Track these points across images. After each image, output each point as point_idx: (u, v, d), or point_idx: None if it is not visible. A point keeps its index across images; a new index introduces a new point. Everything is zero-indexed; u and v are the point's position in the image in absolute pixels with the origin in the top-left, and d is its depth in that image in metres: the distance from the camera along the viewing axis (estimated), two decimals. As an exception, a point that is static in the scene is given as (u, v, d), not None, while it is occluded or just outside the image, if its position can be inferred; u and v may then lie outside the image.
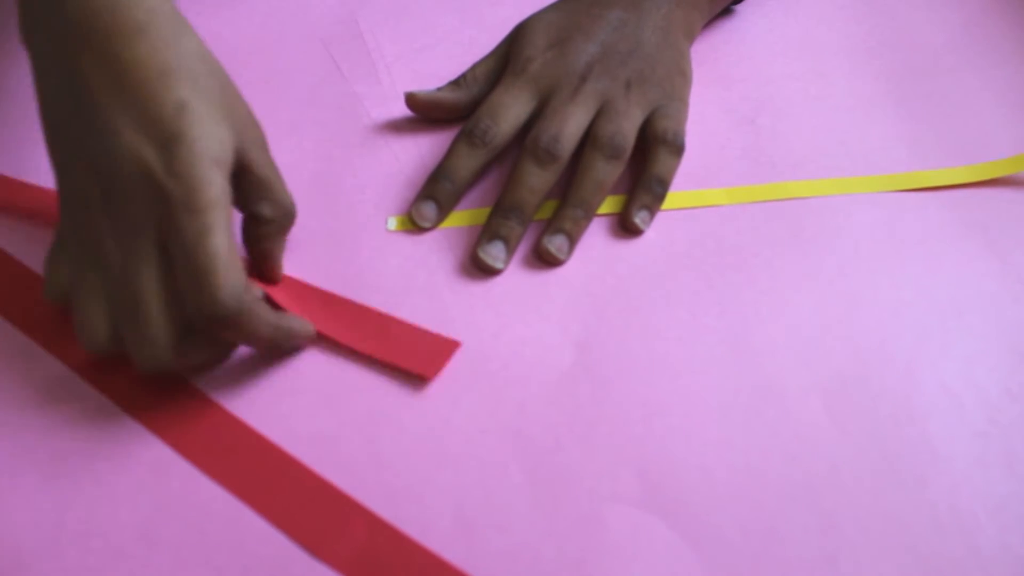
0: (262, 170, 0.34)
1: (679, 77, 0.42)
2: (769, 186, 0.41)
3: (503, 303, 0.37)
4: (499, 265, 0.38)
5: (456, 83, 0.42)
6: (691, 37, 0.44)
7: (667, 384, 0.35)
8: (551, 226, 0.39)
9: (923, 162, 0.42)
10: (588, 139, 0.39)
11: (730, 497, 0.33)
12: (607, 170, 0.39)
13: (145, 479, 0.33)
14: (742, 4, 0.49)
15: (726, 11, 0.48)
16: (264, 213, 0.35)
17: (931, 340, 0.37)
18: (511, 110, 0.40)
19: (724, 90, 0.45)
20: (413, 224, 0.39)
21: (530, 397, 0.35)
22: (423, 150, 0.42)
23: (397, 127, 0.43)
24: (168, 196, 0.30)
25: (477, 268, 0.38)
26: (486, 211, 0.40)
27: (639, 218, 0.39)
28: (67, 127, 0.32)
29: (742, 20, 0.48)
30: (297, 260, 0.38)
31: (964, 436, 0.34)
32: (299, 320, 0.35)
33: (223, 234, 0.30)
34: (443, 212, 0.39)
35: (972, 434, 0.35)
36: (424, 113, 0.42)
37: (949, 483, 0.33)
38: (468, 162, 0.39)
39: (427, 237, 0.39)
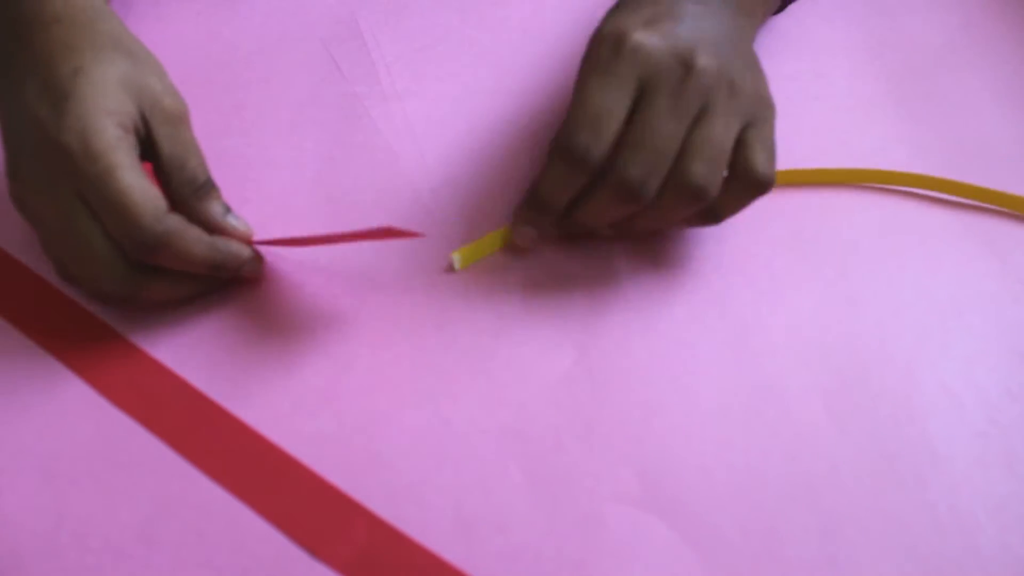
0: (169, 147, 0.34)
1: (763, 78, 0.37)
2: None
3: (503, 303, 0.37)
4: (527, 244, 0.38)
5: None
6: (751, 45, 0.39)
7: (667, 384, 0.35)
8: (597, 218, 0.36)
9: (923, 162, 0.42)
10: (675, 173, 0.34)
11: (730, 497, 0.33)
12: (682, 212, 0.35)
13: (145, 479, 0.33)
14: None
15: None
16: (177, 190, 0.34)
17: (931, 340, 0.37)
18: (613, 116, 0.34)
19: (724, 90, 0.45)
20: (502, 246, 0.39)
21: (530, 397, 0.35)
22: (423, 149, 0.42)
23: (397, 127, 0.43)
24: (65, 149, 0.31)
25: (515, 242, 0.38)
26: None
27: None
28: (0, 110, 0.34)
29: (742, 20, 0.48)
30: (299, 259, 0.38)
31: (964, 436, 0.34)
32: (237, 243, 0.35)
33: (128, 171, 0.32)
34: (542, 237, 0.38)
35: (972, 434, 0.35)
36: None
37: (949, 483, 0.33)
38: (566, 187, 0.35)
39: (426, 240, 0.39)
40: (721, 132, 0.34)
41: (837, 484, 0.33)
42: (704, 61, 0.34)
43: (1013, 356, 0.37)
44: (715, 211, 0.36)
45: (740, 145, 0.35)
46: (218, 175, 0.39)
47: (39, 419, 0.34)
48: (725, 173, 0.35)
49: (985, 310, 0.38)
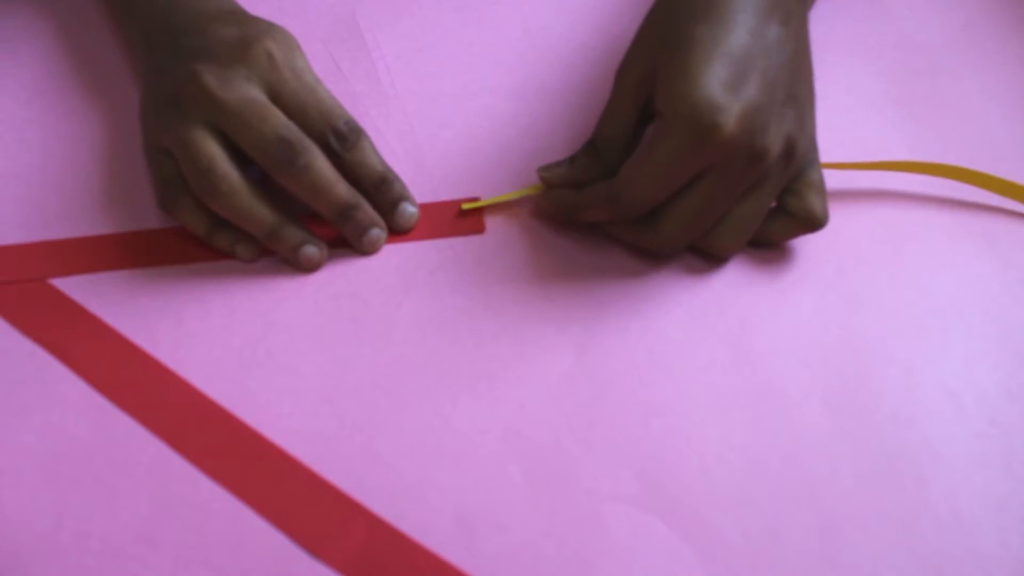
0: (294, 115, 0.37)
1: (812, 109, 0.36)
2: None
3: (503, 303, 0.37)
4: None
5: (588, 152, 0.38)
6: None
7: (667, 384, 0.35)
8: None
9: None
10: (705, 234, 0.36)
11: (730, 497, 0.33)
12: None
13: (145, 479, 0.33)
14: None
15: None
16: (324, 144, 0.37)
17: (931, 340, 0.37)
18: (673, 186, 0.34)
19: (724, 90, 0.45)
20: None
21: (530, 397, 0.35)
22: (423, 149, 0.42)
23: (397, 127, 0.43)
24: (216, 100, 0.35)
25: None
26: (528, 190, 0.39)
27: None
28: (160, 69, 0.38)
29: (742, 20, 0.48)
30: (297, 260, 0.38)
31: (964, 436, 0.34)
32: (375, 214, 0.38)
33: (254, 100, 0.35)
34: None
35: (972, 435, 0.35)
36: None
37: (949, 483, 0.33)
38: (599, 216, 0.37)
39: (427, 241, 0.39)
40: (764, 204, 0.36)
41: (837, 484, 0.33)
42: (775, 146, 0.34)
43: (1013, 356, 0.37)
44: (762, 241, 0.38)
45: (794, 193, 0.36)
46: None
47: (39, 419, 0.34)
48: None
49: (985, 310, 0.38)
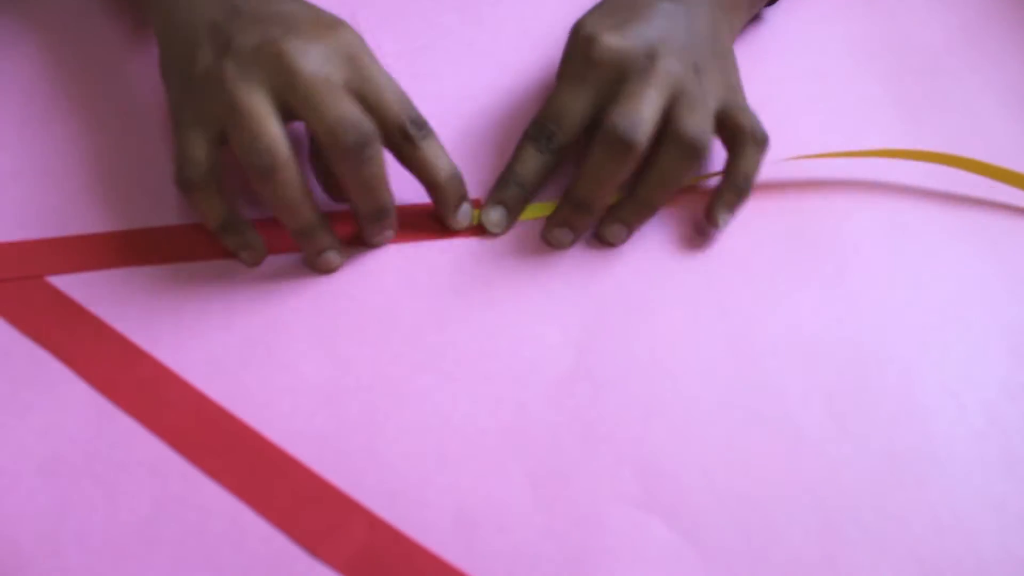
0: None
1: (734, 69, 0.40)
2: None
3: (503, 303, 0.37)
4: (566, 245, 0.39)
5: (529, 141, 0.39)
6: (732, 38, 0.42)
7: (667, 384, 0.35)
8: (611, 214, 0.38)
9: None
10: (668, 132, 0.36)
11: (730, 497, 0.33)
12: (683, 169, 0.36)
13: (145, 479, 0.33)
14: (771, 8, 0.49)
15: (756, 17, 0.48)
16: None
17: (931, 340, 0.37)
18: (575, 107, 0.38)
19: (724, 90, 0.45)
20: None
21: (530, 397, 0.35)
22: (423, 150, 0.42)
23: (397, 127, 0.43)
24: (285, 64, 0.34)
25: (549, 245, 0.39)
26: (550, 205, 0.40)
27: (723, 219, 0.38)
28: (187, 49, 0.36)
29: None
30: (298, 258, 0.38)
31: (964, 436, 0.35)
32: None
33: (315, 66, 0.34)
34: (513, 216, 0.39)
35: (972, 434, 0.35)
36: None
37: (949, 483, 0.33)
38: (535, 165, 0.38)
39: (427, 241, 0.39)
40: (699, 97, 0.37)
41: (837, 484, 0.33)
42: (666, 57, 0.37)
43: (1013, 356, 0.37)
44: (742, 174, 0.38)
45: (727, 114, 0.38)
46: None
47: (39, 419, 0.34)
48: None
49: (985, 310, 0.38)
